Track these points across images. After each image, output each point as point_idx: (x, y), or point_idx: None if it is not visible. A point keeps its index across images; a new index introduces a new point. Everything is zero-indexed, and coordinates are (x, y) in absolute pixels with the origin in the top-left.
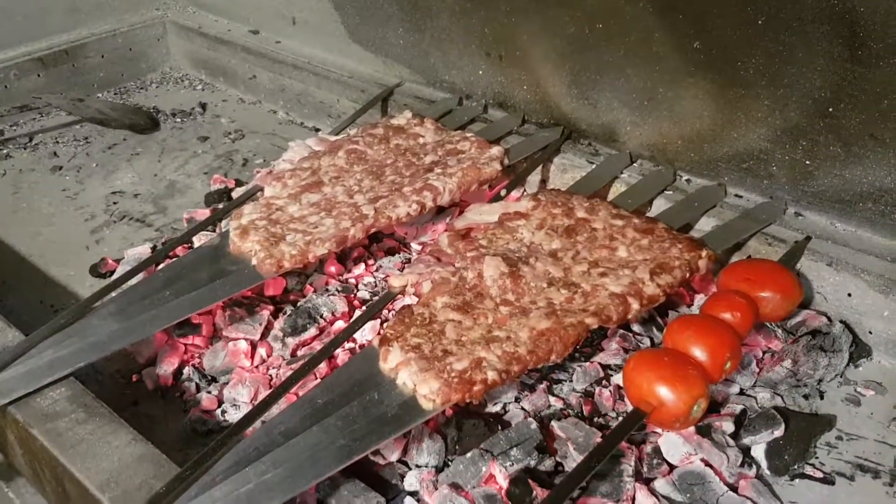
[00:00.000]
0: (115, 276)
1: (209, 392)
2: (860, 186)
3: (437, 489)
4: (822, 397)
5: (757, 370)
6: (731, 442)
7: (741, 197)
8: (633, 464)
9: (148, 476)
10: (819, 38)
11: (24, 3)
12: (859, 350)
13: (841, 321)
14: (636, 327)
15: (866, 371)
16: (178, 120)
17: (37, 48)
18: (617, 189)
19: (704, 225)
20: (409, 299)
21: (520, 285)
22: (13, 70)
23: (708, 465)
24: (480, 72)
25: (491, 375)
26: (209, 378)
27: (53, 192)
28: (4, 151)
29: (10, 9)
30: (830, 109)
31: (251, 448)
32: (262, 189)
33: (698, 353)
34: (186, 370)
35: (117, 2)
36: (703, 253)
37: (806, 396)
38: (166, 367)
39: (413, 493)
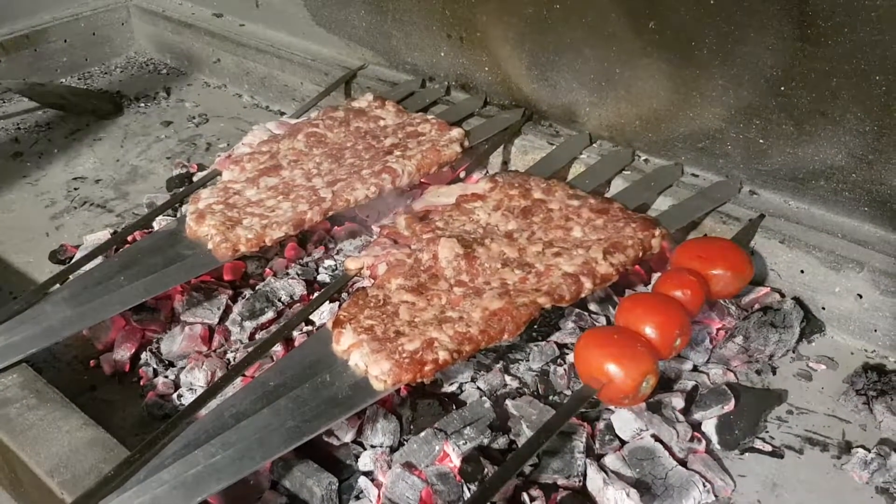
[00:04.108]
0: (72, 262)
1: (166, 377)
2: (812, 164)
3: (390, 468)
4: (774, 373)
5: (710, 347)
6: (681, 417)
7: (697, 176)
8: (584, 440)
9: (98, 460)
10: (770, 18)
11: None
12: (812, 326)
13: (794, 298)
14: (593, 306)
15: (819, 346)
16: (142, 105)
17: None
18: (576, 170)
19: (661, 204)
20: (367, 281)
21: (474, 266)
22: None
23: (658, 440)
24: (442, 53)
25: (442, 355)
26: (166, 363)
27: (14, 178)
28: None
29: None
30: (782, 88)
31: (201, 431)
32: (220, 173)
33: (648, 330)
34: (144, 355)
35: None
36: (657, 232)
37: (758, 372)
38: (123, 353)
39: (367, 473)
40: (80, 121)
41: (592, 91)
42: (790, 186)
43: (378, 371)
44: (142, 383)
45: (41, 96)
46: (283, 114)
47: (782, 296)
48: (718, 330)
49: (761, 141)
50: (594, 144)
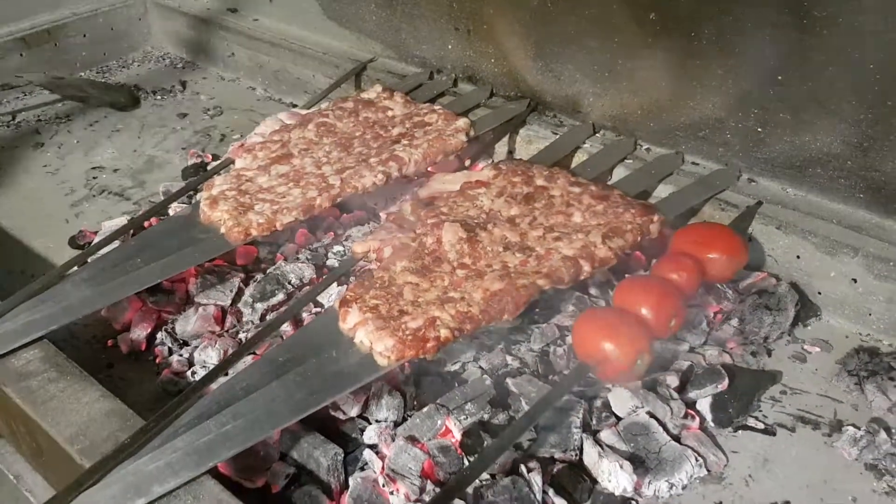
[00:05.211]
0: (90, 246)
1: (181, 355)
2: (809, 152)
3: (394, 442)
4: (769, 355)
5: (708, 329)
6: (676, 395)
7: (697, 164)
8: (581, 416)
9: (115, 429)
10: (767, 8)
11: None
12: (808, 310)
13: (790, 282)
14: (593, 290)
15: (814, 330)
16: (159, 97)
17: (19, 28)
18: (579, 159)
19: (662, 192)
20: (373, 264)
21: (477, 250)
22: None
23: (653, 416)
24: (450, 46)
25: (444, 333)
26: (181, 342)
27: (35, 167)
28: None
29: None
30: (780, 78)
31: (213, 402)
32: (233, 161)
33: (644, 311)
34: (159, 335)
35: None
36: (655, 217)
37: (753, 354)
38: (140, 332)
39: (372, 446)
40: (98, 113)
41: (596, 82)
42: (788, 174)
43: (382, 347)
44: (157, 361)
45: (61, 89)
46: (295, 106)
47: (779, 280)
48: (716, 313)
49: (759, 130)
50: (597, 134)
